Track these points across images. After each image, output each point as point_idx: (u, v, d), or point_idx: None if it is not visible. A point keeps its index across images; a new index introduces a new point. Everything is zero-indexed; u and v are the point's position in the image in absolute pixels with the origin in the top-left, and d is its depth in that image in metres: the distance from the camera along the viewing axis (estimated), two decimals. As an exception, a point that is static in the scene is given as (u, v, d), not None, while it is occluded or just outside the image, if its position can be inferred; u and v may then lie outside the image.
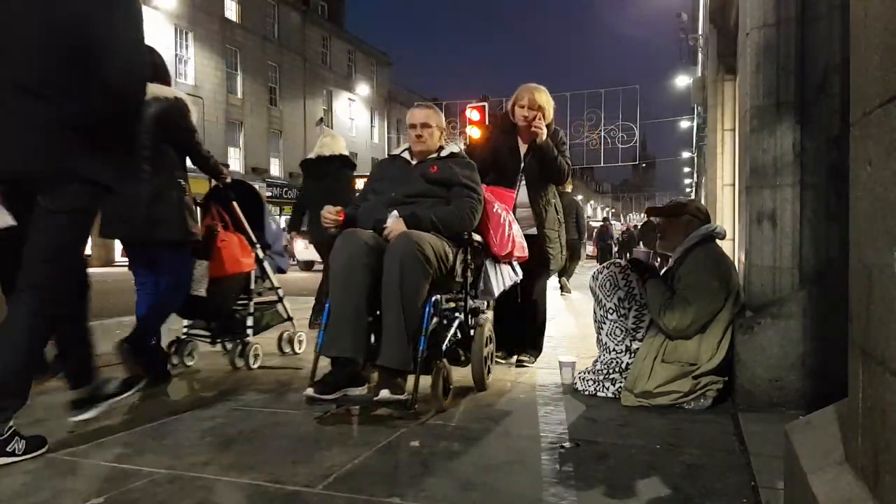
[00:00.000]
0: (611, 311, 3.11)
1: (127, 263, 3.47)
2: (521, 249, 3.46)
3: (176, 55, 24.96)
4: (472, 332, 3.16)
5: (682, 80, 24.25)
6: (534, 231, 3.80)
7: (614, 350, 3.08)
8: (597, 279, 3.21)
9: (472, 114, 14.32)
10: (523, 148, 3.85)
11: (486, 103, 14.81)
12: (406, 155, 3.33)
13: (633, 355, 3.02)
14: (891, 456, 1.02)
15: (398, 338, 2.65)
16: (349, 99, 36.03)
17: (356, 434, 2.53)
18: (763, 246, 2.81)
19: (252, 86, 29.12)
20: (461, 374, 3.15)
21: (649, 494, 1.87)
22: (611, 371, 3.05)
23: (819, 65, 2.70)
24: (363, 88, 36.43)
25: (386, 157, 3.52)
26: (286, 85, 31.25)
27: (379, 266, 2.73)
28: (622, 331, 3.07)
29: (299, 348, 4.25)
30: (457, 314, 3.10)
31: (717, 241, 3.18)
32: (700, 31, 15.87)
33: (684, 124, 30.32)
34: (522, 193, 3.82)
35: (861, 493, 1.12)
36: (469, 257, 3.12)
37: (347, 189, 5.41)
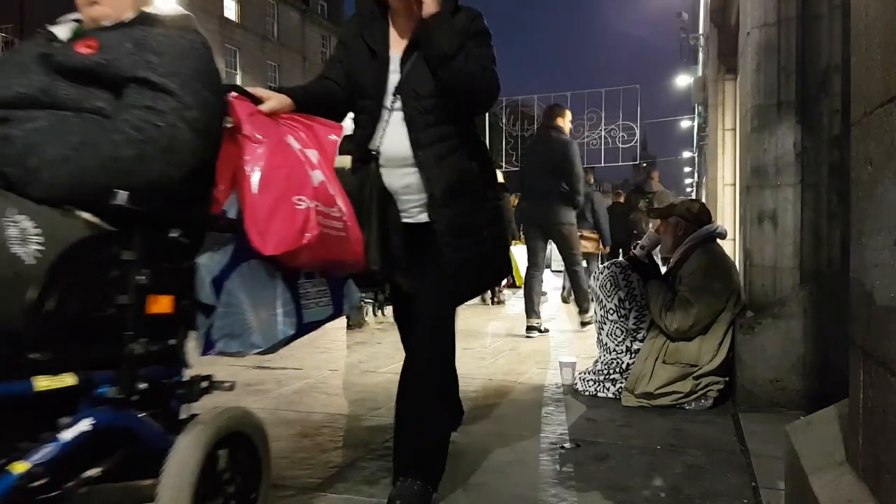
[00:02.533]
0: (611, 311, 3.10)
1: None
2: (338, 247, 1.68)
3: (176, 55, 25.01)
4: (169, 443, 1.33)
5: (683, 80, 24.21)
6: (422, 216, 1.94)
7: (615, 350, 3.08)
8: (597, 279, 3.21)
9: None
10: (399, 46, 1.98)
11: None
12: (62, 29, 1.55)
13: (633, 356, 3.01)
14: (891, 456, 1.01)
15: None
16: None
17: (355, 435, 2.53)
18: (764, 246, 2.81)
19: (251, 85, 28.63)
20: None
21: (649, 495, 1.87)
22: (611, 371, 3.05)
23: (820, 64, 2.69)
24: (363, 88, 36.46)
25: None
26: (286, 84, 31.26)
27: None
28: (623, 331, 3.07)
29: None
30: (87, 416, 1.23)
31: (719, 241, 3.18)
32: (701, 31, 15.85)
33: (685, 124, 30.28)
34: (397, 136, 1.92)
35: (862, 494, 1.11)
36: (145, 256, 1.32)
37: None
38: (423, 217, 1.95)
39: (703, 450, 2.27)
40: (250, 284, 1.53)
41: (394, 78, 1.96)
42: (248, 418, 1.53)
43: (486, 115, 14.09)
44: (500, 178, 7.88)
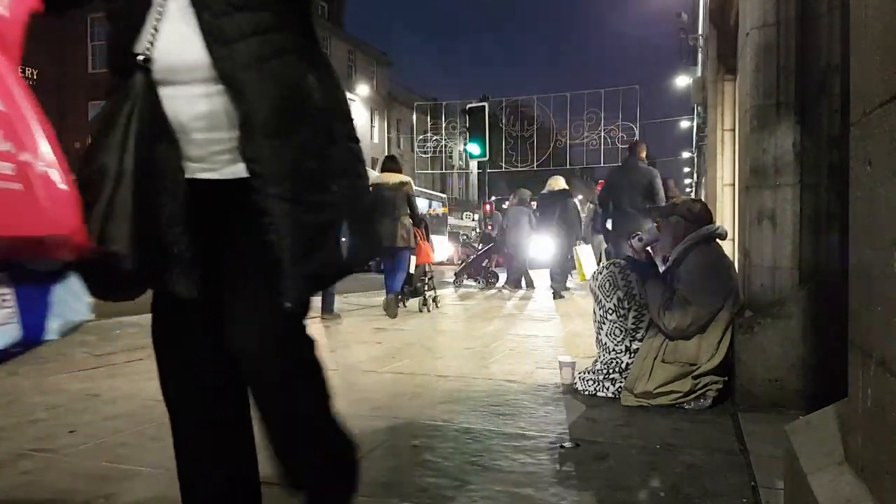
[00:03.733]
0: (610, 311, 3.11)
1: None
2: (7, 213, 0.90)
3: (176, 55, 24.97)
4: None
5: (682, 80, 24.23)
6: (234, 167, 1.21)
7: (614, 350, 3.08)
8: (596, 279, 3.21)
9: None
10: None
11: (485, 103, 14.79)
12: None
13: (632, 355, 3.02)
14: (891, 456, 1.02)
15: None
16: (349, 99, 35.95)
17: (355, 435, 2.53)
18: (763, 246, 2.81)
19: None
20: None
21: (649, 494, 1.87)
22: (610, 371, 3.05)
23: (819, 64, 2.70)
24: (363, 88, 36.40)
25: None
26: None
27: None
28: (622, 331, 3.07)
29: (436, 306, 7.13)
30: None
31: (718, 241, 3.18)
32: (700, 31, 15.87)
33: (684, 124, 30.30)
34: (181, 30, 1.15)
35: (861, 494, 1.11)
36: None
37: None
38: (237, 168, 1.20)
39: (702, 449, 2.27)
40: None
41: None
42: None
43: (486, 115, 14.06)
44: (563, 184, 9.12)
